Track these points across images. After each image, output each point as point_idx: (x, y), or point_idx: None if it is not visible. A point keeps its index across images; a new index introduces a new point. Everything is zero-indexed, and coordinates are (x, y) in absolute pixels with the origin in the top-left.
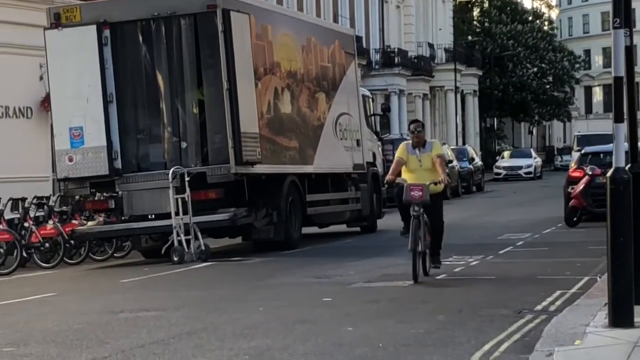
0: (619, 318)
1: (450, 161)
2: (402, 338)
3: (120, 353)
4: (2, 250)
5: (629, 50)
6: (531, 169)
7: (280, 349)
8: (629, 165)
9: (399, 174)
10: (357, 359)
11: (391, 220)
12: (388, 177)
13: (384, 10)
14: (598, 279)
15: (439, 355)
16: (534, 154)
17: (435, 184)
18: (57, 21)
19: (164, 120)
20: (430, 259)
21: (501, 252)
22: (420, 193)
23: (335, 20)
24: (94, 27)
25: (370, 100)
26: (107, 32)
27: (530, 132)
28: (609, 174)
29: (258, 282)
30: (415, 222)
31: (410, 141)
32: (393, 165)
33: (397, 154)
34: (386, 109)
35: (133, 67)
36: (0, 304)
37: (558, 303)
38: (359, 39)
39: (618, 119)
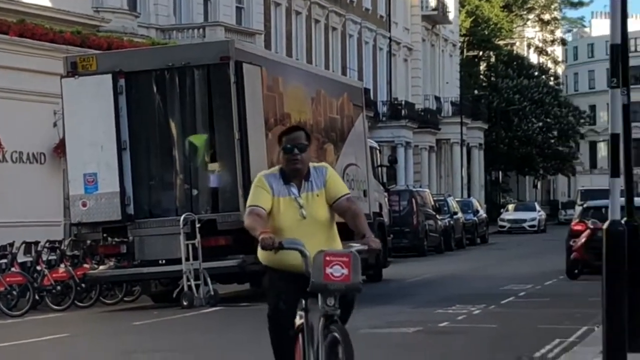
0: None
1: (456, 212)
2: None
3: None
4: (15, 293)
5: (626, 108)
6: (535, 222)
7: None
8: (624, 219)
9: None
10: None
11: (397, 270)
12: (264, 237)
13: (391, 63)
14: (595, 328)
15: None
16: (538, 208)
17: (365, 251)
18: (73, 70)
19: (176, 168)
20: None
21: (503, 302)
22: (346, 271)
23: (344, 72)
24: (109, 76)
25: (377, 151)
26: (122, 81)
27: (535, 186)
28: (604, 226)
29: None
30: (327, 338)
31: (278, 168)
32: (249, 222)
33: (252, 198)
34: (393, 160)
35: (147, 116)
36: (15, 344)
37: (556, 351)
38: (366, 91)
39: (614, 174)
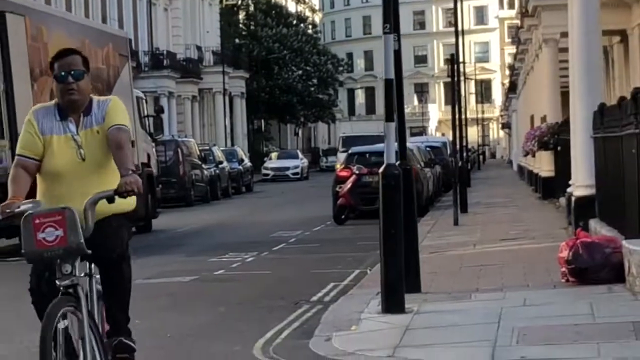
0: (391, 305)
1: (221, 162)
2: (187, 329)
3: None
4: None
5: (397, 54)
6: (298, 170)
7: None
8: (398, 162)
9: (32, 192)
10: (147, 350)
11: (166, 220)
12: (1, 206)
13: (152, 12)
14: (368, 271)
15: (224, 343)
16: (300, 155)
17: (113, 196)
18: None
19: None
20: (112, 344)
21: (275, 248)
22: (60, 232)
23: (104, 22)
24: None
25: (144, 101)
26: None
27: (297, 134)
28: (381, 169)
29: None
30: (55, 313)
31: (54, 102)
32: (10, 177)
33: (19, 141)
34: (159, 110)
35: None
36: None
37: (332, 294)
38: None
39: (389, 118)
